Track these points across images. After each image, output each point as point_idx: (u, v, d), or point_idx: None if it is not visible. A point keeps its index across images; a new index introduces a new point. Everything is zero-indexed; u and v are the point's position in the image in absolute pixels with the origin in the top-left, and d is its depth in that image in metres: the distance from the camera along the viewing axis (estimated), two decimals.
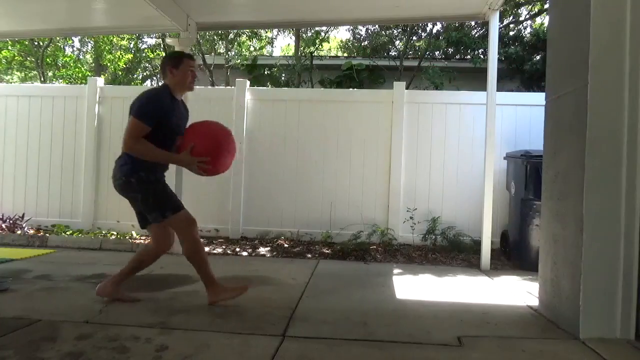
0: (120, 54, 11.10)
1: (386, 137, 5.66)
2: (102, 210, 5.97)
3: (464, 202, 5.49)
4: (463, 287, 3.69)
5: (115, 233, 5.77)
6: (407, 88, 5.93)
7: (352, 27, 11.67)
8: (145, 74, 12.20)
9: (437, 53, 10.30)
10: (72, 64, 10.85)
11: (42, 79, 10.24)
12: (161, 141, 2.81)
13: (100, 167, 5.94)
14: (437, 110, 5.65)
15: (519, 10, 10.95)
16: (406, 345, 2.31)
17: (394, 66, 9.30)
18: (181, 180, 4.79)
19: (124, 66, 11.12)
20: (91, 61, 12.59)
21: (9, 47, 10.46)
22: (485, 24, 6.28)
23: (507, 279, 4.03)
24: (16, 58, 10.86)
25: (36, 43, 10.51)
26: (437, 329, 2.58)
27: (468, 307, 3.08)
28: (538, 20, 11.49)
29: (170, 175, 5.06)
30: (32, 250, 4.68)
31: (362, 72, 9.03)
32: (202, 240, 5.57)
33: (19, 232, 5.50)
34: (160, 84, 3.46)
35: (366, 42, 11.90)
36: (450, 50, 9.99)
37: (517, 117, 5.47)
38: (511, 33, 10.45)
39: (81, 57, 12.55)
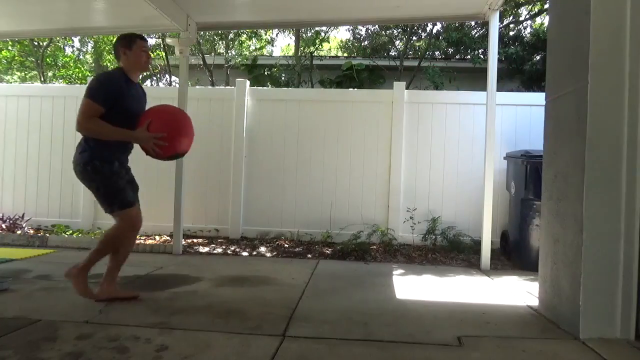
0: None
1: (386, 137, 5.66)
2: (102, 210, 5.95)
3: (464, 202, 5.49)
4: (463, 287, 3.69)
5: None
6: (407, 88, 5.93)
7: (352, 27, 11.67)
8: (145, 74, 12.18)
9: (437, 53, 10.30)
10: (72, 64, 10.85)
11: (42, 79, 10.24)
12: (119, 124, 2.80)
13: None
14: (437, 110, 5.65)
15: (519, 10, 10.95)
16: (406, 345, 2.31)
17: (394, 66, 9.31)
18: (181, 181, 4.79)
19: None
20: (91, 61, 12.58)
21: (9, 47, 10.46)
22: (485, 24, 6.28)
23: (507, 279, 4.03)
24: (16, 58, 10.85)
25: (36, 43, 10.51)
26: (437, 328, 2.58)
27: (468, 307, 3.08)
28: (538, 20, 11.50)
29: (170, 176, 5.10)
30: (32, 250, 4.68)
31: (362, 72, 9.04)
32: (202, 240, 5.59)
33: (19, 232, 5.50)
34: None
35: (366, 42, 11.90)
36: (450, 50, 9.99)
37: (517, 117, 5.47)
38: (511, 33, 10.46)
39: (81, 57, 12.55)
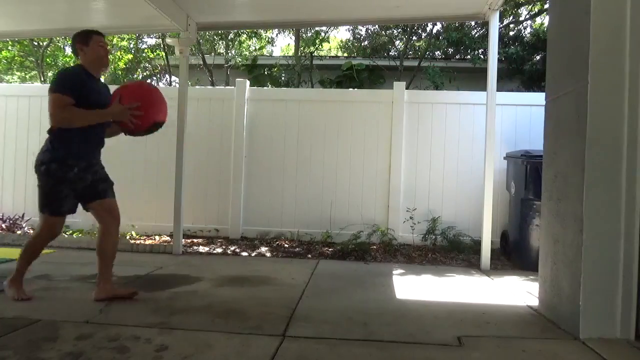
0: (120, 54, 11.09)
1: (386, 137, 5.66)
2: None
3: (464, 202, 5.49)
4: (463, 287, 3.69)
5: None
6: (407, 88, 5.93)
7: (352, 27, 11.67)
8: (145, 74, 12.19)
9: (437, 53, 10.30)
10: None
11: (42, 79, 10.23)
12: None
13: None
14: (437, 110, 5.65)
15: (519, 10, 10.95)
16: (406, 345, 2.31)
17: (394, 66, 9.31)
18: (181, 181, 4.79)
19: (124, 66, 11.12)
20: None
21: (9, 47, 10.46)
22: (485, 24, 6.28)
23: (507, 279, 4.03)
24: (16, 58, 10.85)
25: (36, 43, 10.50)
26: (437, 328, 2.58)
27: (468, 307, 3.08)
28: (538, 20, 11.50)
29: (170, 175, 5.10)
30: None
31: (362, 72, 9.03)
32: (202, 240, 5.59)
33: (19, 232, 5.50)
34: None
35: (366, 42, 11.90)
36: (450, 50, 9.99)
37: (517, 117, 5.47)
38: (511, 33, 10.46)
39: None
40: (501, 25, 9.44)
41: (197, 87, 8.45)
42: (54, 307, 2.76)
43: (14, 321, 2.47)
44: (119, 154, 5.98)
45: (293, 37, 11.58)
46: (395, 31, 10.98)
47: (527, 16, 11.34)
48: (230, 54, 10.30)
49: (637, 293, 2.42)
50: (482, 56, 8.75)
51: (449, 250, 5.10)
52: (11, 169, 6.11)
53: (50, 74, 10.88)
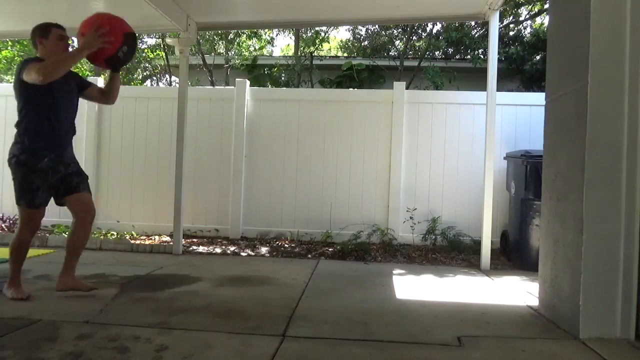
0: None
1: (386, 137, 5.66)
2: (102, 210, 5.96)
3: (464, 202, 5.49)
4: (463, 287, 3.69)
5: (115, 233, 5.78)
6: (407, 88, 5.93)
7: (352, 27, 11.67)
8: (145, 74, 12.19)
9: (437, 53, 10.29)
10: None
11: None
12: (51, 110, 2.88)
13: (99, 167, 5.95)
14: (437, 110, 5.65)
15: (519, 10, 10.95)
16: (406, 345, 2.31)
17: (394, 66, 9.30)
18: (181, 181, 4.79)
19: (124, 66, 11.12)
20: None
21: (9, 47, 10.46)
22: (485, 24, 6.28)
23: (507, 279, 4.03)
24: (16, 58, 10.85)
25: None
26: (437, 328, 2.58)
27: (468, 307, 3.08)
28: (538, 20, 11.50)
29: (170, 175, 5.10)
30: (32, 250, 4.63)
31: (362, 72, 9.04)
32: (201, 240, 5.59)
33: None
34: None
35: (366, 42, 11.90)
36: (450, 50, 9.99)
37: (517, 117, 5.47)
38: (511, 33, 10.46)
39: None
40: (501, 25, 9.44)
41: (197, 87, 8.46)
42: (54, 307, 2.76)
43: (14, 321, 2.47)
44: (119, 154, 6.00)
45: (293, 37, 11.58)
46: (395, 31, 10.98)
47: (527, 16, 11.35)
48: (230, 54, 10.29)
49: (637, 293, 2.42)
50: (482, 56, 8.75)
51: (449, 250, 5.10)
52: None
53: None
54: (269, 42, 12.41)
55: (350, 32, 12.22)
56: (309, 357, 2.11)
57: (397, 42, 11.38)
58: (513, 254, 4.77)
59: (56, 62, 2.75)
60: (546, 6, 9.46)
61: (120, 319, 2.58)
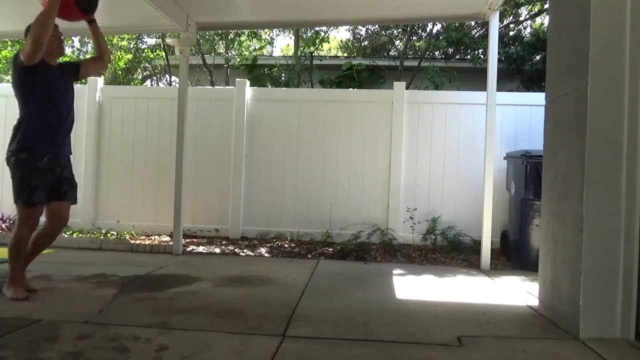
0: (120, 54, 11.10)
1: (386, 137, 5.66)
2: (102, 210, 5.97)
3: (464, 202, 5.49)
4: (463, 287, 3.69)
5: (115, 233, 5.78)
6: (407, 88, 5.93)
7: (352, 27, 11.67)
8: (145, 74, 12.19)
9: (437, 53, 10.29)
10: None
11: None
12: (52, 107, 2.93)
13: (100, 167, 5.95)
14: (437, 110, 5.65)
15: (519, 10, 10.95)
16: (406, 345, 2.31)
17: (394, 66, 9.30)
18: (181, 181, 4.79)
19: (124, 66, 11.12)
20: None
21: (9, 47, 10.46)
22: (485, 24, 6.28)
23: (507, 279, 4.03)
24: None
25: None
26: (437, 328, 2.58)
27: (468, 307, 3.08)
28: (538, 20, 11.50)
29: (170, 175, 5.10)
30: None
31: (362, 72, 9.03)
32: (201, 240, 5.58)
33: None
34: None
35: (366, 42, 11.90)
36: (450, 50, 9.99)
37: (517, 117, 5.47)
38: (511, 33, 10.45)
39: (81, 57, 12.54)
40: (501, 25, 9.44)
41: (197, 87, 8.46)
42: (54, 307, 2.76)
43: (14, 321, 2.47)
44: (119, 154, 6.00)
45: (293, 37, 11.58)
46: (395, 31, 10.98)
47: (527, 16, 11.34)
48: (230, 54, 10.29)
49: (637, 293, 2.42)
50: (482, 56, 8.74)
51: (449, 250, 5.10)
52: None
53: None
54: (269, 42, 12.41)
55: (350, 32, 12.22)
56: (309, 357, 2.11)
57: (397, 42, 11.37)
58: (513, 254, 4.77)
59: (37, 24, 2.74)
60: (546, 6, 9.46)
61: (120, 319, 2.58)
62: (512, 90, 7.55)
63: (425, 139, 5.63)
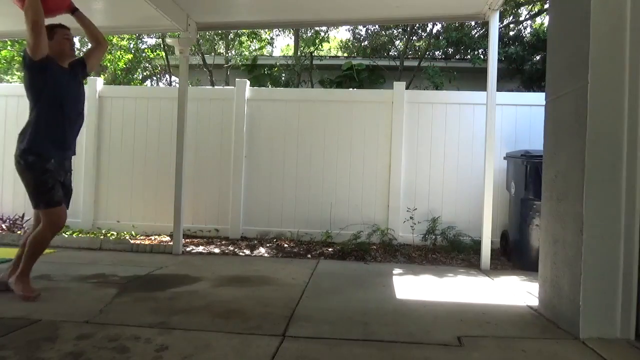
0: (120, 54, 11.10)
1: (386, 137, 5.66)
2: (102, 210, 5.97)
3: (464, 202, 5.49)
4: (463, 287, 3.69)
5: (115, 233, 5.78)
6: (407, 88, 5.93)
7: (352, 27, 11.67)
8: (145, 74, 12.19)
9: (437, 53, 10.30)
10: None
11: None
12: (63, 106, 2.93)
13: (100, 167, 5.95)
14: (437, 110, 5.65)
15: (519, 10, 10.95)
16: (406, 345, 2.31)
17: (394, 66, 9.31)
18: (181, 181, 4.79)
19: (124, 66, 11.12)
20: None
21: (9, 47, 10.46)
22: (485, 24, 6.28)
23: (507, 279, 4.03)
24: (16, 58, 10.84)
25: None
26: (437, 328, 2.58)
27: (468, 307, 3.08)
28: (538, 20, 11.50)
29: (170, 175, 5.11)
30: None
31: (362, 72, 9.03)
32: (201, 240, 5.58)
33: (19, 232, 5.50)
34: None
35: (366, 42, 11.90)
36: (450, 50, 9.99)
37: (517, 117, 5.47)
38: (511, 33, 10.45)
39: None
40: (501, 25, 9.44)
41: (197, 87, 8.46)
42: (54, 307, 2.76)
43: (14, 321, 2.47)
44: (119, 154, 6.00)
45: (293, 37, 11.58)
46: (395, 31, 10.98)
47: (527, 16, 11.35)
48: (230, 54, 10.29)
49: (637, 293, 2.42)
50: (482, 56, 8.75)
51: (449, 250, 5.10)
52: (11, 169, 6.05)
53: None
54: (269, 42, 12.41)
55: (350, 32, 12.23)
56: (309, 357, 2.11)
57: (397, 42, 11.38)
58: (513, 254, 4.77)
59: (29, 9, 2.75)
60: (546, 6, 9.46)
61: (120, 319, 2.58)
62: (512, 90, 7.54)
63: (425, 139, 5.63)
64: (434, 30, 10.23)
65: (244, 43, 11.17)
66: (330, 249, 5.15)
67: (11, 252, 4.45)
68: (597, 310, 2.42)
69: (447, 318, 2.79)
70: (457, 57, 10.21)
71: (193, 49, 8.48)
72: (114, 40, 10.93)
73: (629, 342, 2.38)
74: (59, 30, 3.03)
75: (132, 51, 11.35)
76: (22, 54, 2.95)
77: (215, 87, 8.76)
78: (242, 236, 5.77)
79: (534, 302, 3.14)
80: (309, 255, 4.92)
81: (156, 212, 5.84)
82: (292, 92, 6.60)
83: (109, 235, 5.69)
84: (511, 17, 10.94)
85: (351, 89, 7.92)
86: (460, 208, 5.52)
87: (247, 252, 5.02)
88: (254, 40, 11.38)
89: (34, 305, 2.77)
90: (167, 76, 11.46)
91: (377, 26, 10.90)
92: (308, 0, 4.55)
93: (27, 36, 2.80)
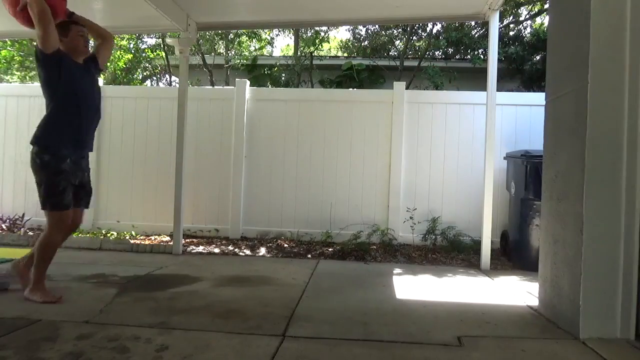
0: (120, 54, 11.09)
1: (386, 137, 5.66)
2: (102, 210, 5.97)
3: (464, 202, 5.49)
4: (463, 287, 3.69)
5: (115, 233, 5.78)
6: (407, 88, 5.93)
7: (352, 27, 11.67)
8: (145, 74, 12.19)
9: (437, 53, 10.30)
10: None
11: None
12: (78, 103, 2.90)
13: (100, 167, 5.94)
14: (437, 110, 5.66)
15: (519, 10, 10.95)
16: (406, 345, 2.31)
17: (394, 66, 9.31)
18: (181, 181, 4.79)
19: (124, 66, 11.12)
20: None
21: (9, 47, 10.46)
22: (485, 24, 6.28)
23: (507, 279, 4.03)
24: (16, 58, 10.84)
25: (35, 43, 10.48)
26: (437, 328, 2.58)
27: (468, 307, 3.08)
28: (538, 20, 11.50)
29: (170, 175, 5.11)
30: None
31: (362, 72, 9.04)
32: (201, 239, 5.58)
33: (19, 232, 5.50)
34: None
35: (366, 42, 11.90)
36: (450, 50, 9.99)
37: (517, 117, 5.47)
38: (511, 33, 10.45)
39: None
40: (501, 25, 9.44)
41: (197, 87, 8.46)
42: (54, 307, 2.76)
43: (14, 321, 2.47)
44: (119, 154, 6.00)
45: (293, 37, 11.58)
46: (395, 31, 10.98)
47: (527, 16, 11.35)
48: (230, 54, 10.29)
49: (637, 293, 2.42)
50: (482, 56, 8.75)
51: (449, 250, 5.10)
52: (11, 169, 6.11)
53: None
54: (268, 43, 12.41)
55: (350, 32, 12.22)
56: (309, 357, 2.11)
57: (397, 42, 11.38)
58: (513, 254, 4.77)
59: (32, 3, 2.71)
60: (546, 6, 9.46)
61: (120, 319, 2.58)
62: (512, 90, 7.55)
63: (425, 139, 5.63)
64: (434, 30, 10.23)
65: (243, 43, 11.17)
66: (330, 249, 5.15)
67: (11, 252, 4.46)
68: (597, 310, 2.42)
69: (447, 318, 2.79)
70: (457, 57, 10.21)
71: (193, 49, 8.48)
72: (114, 40, 10.92)
73: (629, 342, 2.38)
74: (72, 27, 3.01)
75: (132, 51, 11.35)
76: (34, 50, 2.91)
77: (215, 87, 8.76)
78: (242, 236, 5.77)
79: (534, 302, 3.14)
80: (309, 255, 4.92)
81: (156, 212, 5.84)
82: (292, 92, 6.60)
83: (109, 235, 5.69)
84: (511, 17, 10.94)
85: (351, 89, 7.93)
86: (460, 208, 5.52)
87: (247, 252, 5.02)
88: (254, 40, 11.38)
89: (34, 305, 2.77)
90: (167, 76, 11.46)
91: (377, 26, 10.90)
92: (308, 0, 4.55)
93: (36, 30, 2.75)
